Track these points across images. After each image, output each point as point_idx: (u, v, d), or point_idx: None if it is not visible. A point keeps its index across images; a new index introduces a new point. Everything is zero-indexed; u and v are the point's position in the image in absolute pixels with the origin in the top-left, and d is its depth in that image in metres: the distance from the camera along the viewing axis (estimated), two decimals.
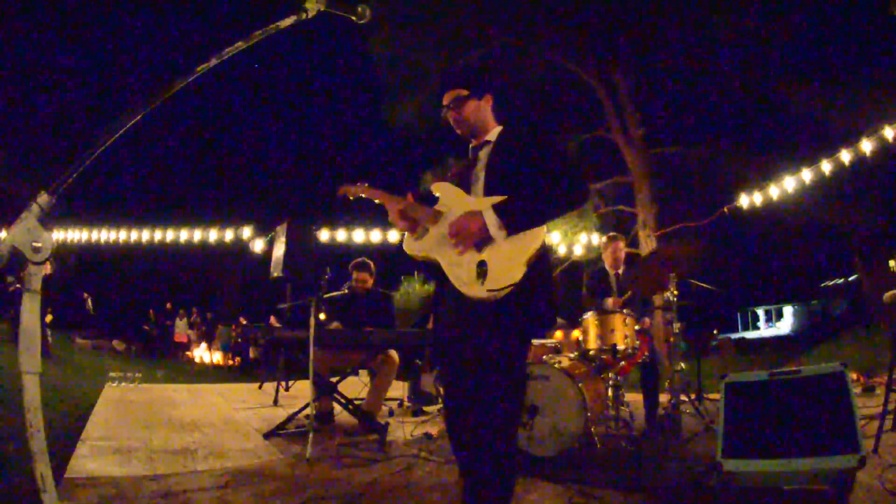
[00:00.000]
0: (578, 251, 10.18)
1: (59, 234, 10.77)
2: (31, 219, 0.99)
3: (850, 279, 19.91)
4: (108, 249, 10.88)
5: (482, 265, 1.67)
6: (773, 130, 10.27)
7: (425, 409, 4.95)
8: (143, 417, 4.20)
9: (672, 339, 3.84)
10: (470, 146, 1.98)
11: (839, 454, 1.96)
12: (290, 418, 3.72)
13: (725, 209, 8.90)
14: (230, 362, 14.66)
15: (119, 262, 16.45)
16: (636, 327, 3.57)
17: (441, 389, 4.47)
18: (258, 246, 9.78)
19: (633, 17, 9.27)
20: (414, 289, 16.63)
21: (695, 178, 10.39)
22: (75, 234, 10.92)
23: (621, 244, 4.39)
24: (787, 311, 27.31)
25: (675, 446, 3.22)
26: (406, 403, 5.35)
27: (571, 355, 3.63)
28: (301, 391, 6.08)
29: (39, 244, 0.99)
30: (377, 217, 8.83)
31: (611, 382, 3.56)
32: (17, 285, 7.83)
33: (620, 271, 4.28)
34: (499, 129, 1.94)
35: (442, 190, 1.91)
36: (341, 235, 9.72)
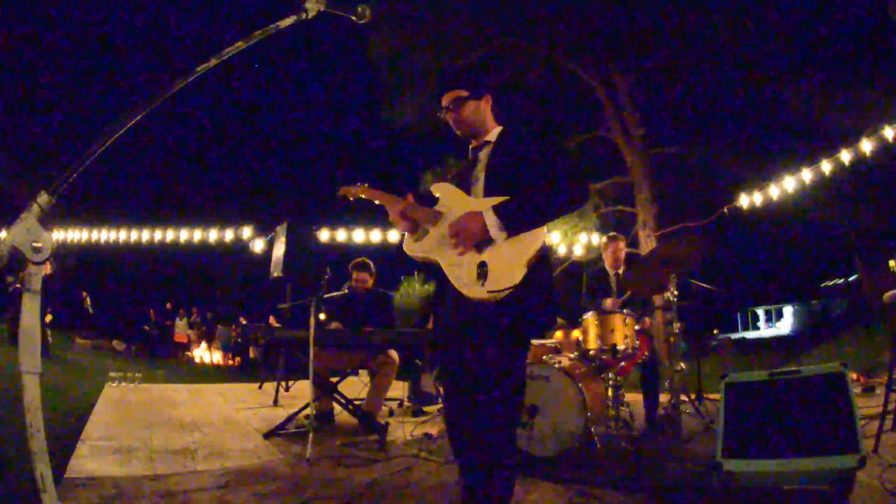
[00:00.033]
0: (578, 251, 10.17)
1: (59, 234, 10.77)
2: (31, 219, 0.99)
3: (850, 279, 19.91)
4: (108, 249, 10.87)
5: (482, 266, 1.67)
6: (773, 130, 10.27)
7: (425, 409, 4.95)
8: (143, 417, 4.20)
9: (672, 339, 3.84)
10: (470, 147, 1.98)
11: (839, 454, 1.96)
12: (290, 418, 3.72)
13: (725, 209, 8.90)
14: (230, 362, 14.66)
15: (119, 262, 16.46)
16: (636, 327, 3.57)
17: (441, 389, 4.48)
18: (258, 246, 9.78)
19: (633, 18, 9.27)
20: (414, 289, 16.63)
21: (695, 178, 10.38)
22: (75, 234, 10.91)
23: (621, 244, 4.39)
24: (787, 311, 27.32)
25: (675, 446, 3.22)
26: (406, 403, 5.35)
27: (571, 355, 3.63)
28: (301, 391, 6.08)
29: (39, 244, 0.99)
30: (377, 217, 8.83)
31: (611, 382, 3.56)
32: (17, 285, 7.84)
33: (620, 271, 4.28)
34: (499, 129, 1.94)
35: (442, 190, 1.91)
36: (341, 235, 9.72)
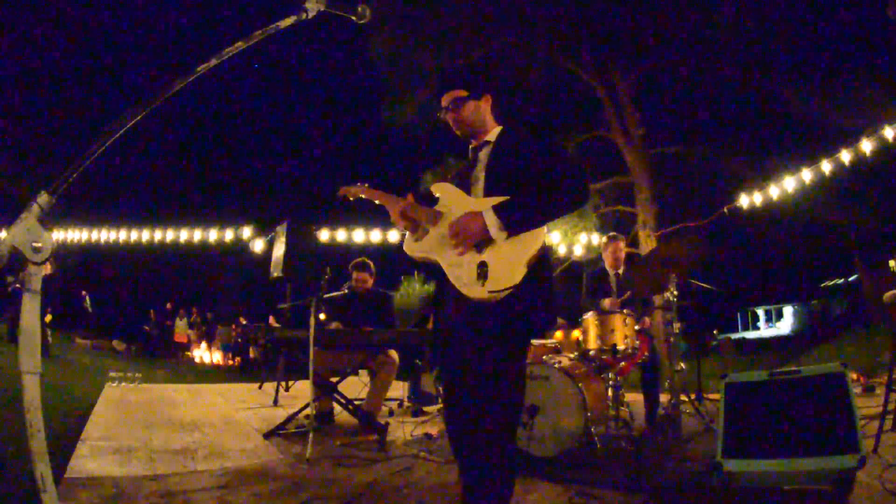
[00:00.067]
0: (578, 251, 10.17)
1: (59, 234, 10.77)
2: (31, 219, 0.99)
3: (850, 279, 19.91)
4: (108, 249, 10.88)
5: (482, 266, 1.67)
6: (773, 130, 10.27)
7: (425, 409, 4.95)
8: (143, 417, 4.20)
9: (672, 339, 3.84)
10: (470, 147, 1.98)
11: (839, 454, 1.96)
12: (290, 418, 3.72)
13: (725, 209, 8.90)
14: (230, 362, 14.66)
15: (119, 262, 16.45)
16: (636, 327, 3.58)
17: (441, 389, 4.47)
18: (258, 246, 9.78)
19: (633, 18, 9.27)
20: (414, 289, 16.65)
21: (695, 178, 10.38)
22: (75, 234, 10.91)
23: (621, 244, 4.39)
24: (787, 311, 27.31)
25: (675, 446, 3.22)
26: (406, 403, 5.35)
27: (571, 355, 3.63)
28: (301, 391, 6.08)
29: (39, 244, 0.99)
30: (377, 217, 8.83)
31: (611, 382, 3.56)
32: (17, 285, 7.84)
33: (620, 271, 4.28)
34: (499, 129, 1.94)
35: (442, 190, 1.91)
36: (341, 235, 9.72)
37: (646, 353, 3.81)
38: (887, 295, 2.98)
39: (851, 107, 7.90)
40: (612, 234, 4.52)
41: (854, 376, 4.94)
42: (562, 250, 10.22)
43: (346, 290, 4.63)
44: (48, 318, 7.99)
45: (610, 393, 3.53)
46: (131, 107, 1.13)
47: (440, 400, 4.75)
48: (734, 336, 23.38)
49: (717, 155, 9.98)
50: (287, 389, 6.18)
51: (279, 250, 3.45)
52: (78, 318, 14.48)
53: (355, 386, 4.62)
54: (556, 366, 3.11)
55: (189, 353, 15.28)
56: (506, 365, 1.68)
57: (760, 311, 29.79)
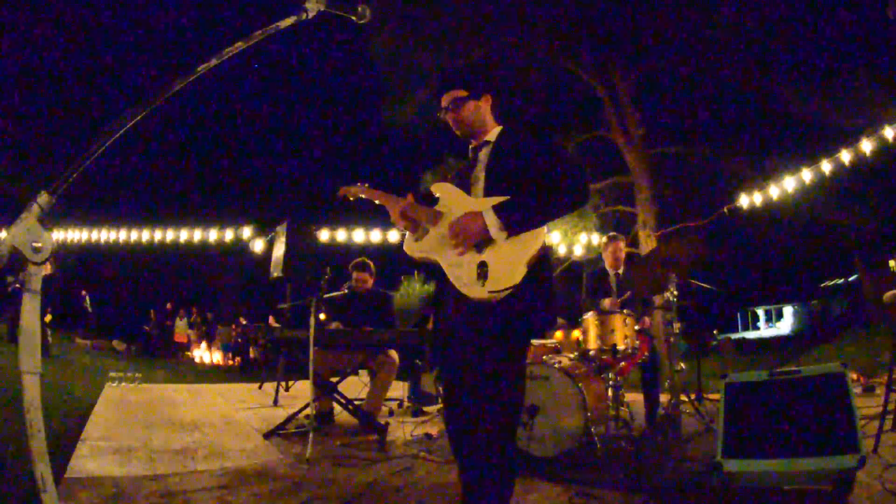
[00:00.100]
0: (578, 251, 10.18)
1: (59, 234, 10.77)
2: (31, 219, 0.99)
3: (850, 279, 19.91)
4: (108, 249, 10.88)
5: (483, 266, 1.67)
6: (773, 130, 10.26)
7: (425, 409, 4.95)
8: (143, 417, 4.20)
9: (672, 339, 3.84)
10: (470, 147, 1.98)
11: (839, 454, 1.96)
12: (290, 418, 3.72)
13: (725, 209, 8.91)
14: (230, 362, 14.66)
15: (119, 262, 16.45)
16: (636, 327, 3.58)
17: (441, 389, 4.47)
18: (258, 246, 9.78)
19: (634, 18, 9.27)
20: (414, 289, 16.65)
21: (695, 178, 10.38)
22: (75, 234, 10.92)
23: (621, 244, 4.39)
24: (787, 311, 27.32)
25: (675, 446, 3.22)
26: (406, 403, 5.35)
27: (571, 355, 3.63)
28: (301, 391, 6.08)
29: (39, 244, 0.99)
30: (377, 217, 8.83)
31: (611, 382, 3.56)
32: (17, 285, 7.84)
33: (620, 271, 4.28)
34: (498, 129, 1.94)
35: (442, 190, 1.91)
36: (341, 235, 9.72)
37: (646, 353, 3.81)
38: (887, 295, 2.98)
39: (851, 107, 7.90)
40: (612, 234, 4.52)
41: (854, 376, 4.94)
42: (562, 250, 10.22)
43: (346, 290, 4.63)
44: (48, 318, 7.98)
45: (610, 393, 3.53)
46: (131, 107, 1.13)
47: (440, 400, 4.75)
48: (734, 336, 23.37)
49: (717, 155, 9.98)
50: (287, 389, 6.18)
51: (279, 250, 3.45)
52: (78, 318, 14.48)
53: (355, 386, 4.62)
54: (556, 366, 3.11)
55: (189, 353, 15.28)
56: (506, 365, 1.68)
57: (760, 311, 29.80)
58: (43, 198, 1.00)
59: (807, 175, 7.52)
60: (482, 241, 1.70)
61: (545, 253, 1.75)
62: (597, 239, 9.81)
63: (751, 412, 2.24)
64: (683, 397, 3.93)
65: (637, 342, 3.49)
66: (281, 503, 2.28)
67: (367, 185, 2.05)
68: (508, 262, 1.65)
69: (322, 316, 4.81)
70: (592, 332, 3.51)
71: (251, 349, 13.25)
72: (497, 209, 1.67)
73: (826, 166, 7.29)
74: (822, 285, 24.15)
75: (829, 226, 10.88)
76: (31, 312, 0.99)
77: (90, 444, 3.05)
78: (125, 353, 13.60)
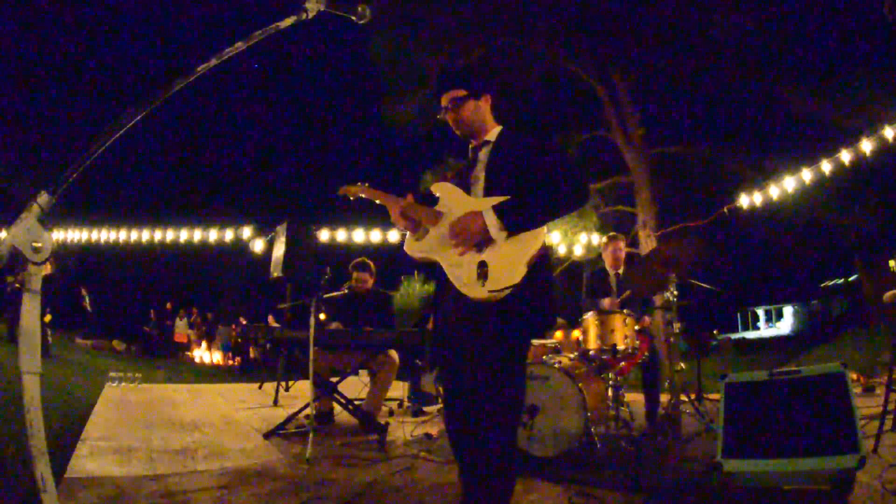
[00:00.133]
0: (578, 251, 10.17)
1: (59, 234, 10.77)
2: (31, 219, 0.99)
3: (850, 279, 19.91)
4: (108, 249, 10.88)
5: (483, 266, 1.67)
6: (773, 130, 10.27)
7: (425, 409, 4.95)
8: (143, 417, 4.20)
9: (672, 339, 3.84)
10: (469, 146, 1.98)
11: (839, 454, 1.96)
12: (290, 418, 3.72)
13: (725, 209, 8.90)
14: (230, 362, 14.66)
15: (119, 262, 16.46)
16: (636, 327, 3.58)
17: (441, 389, 4.47)
18: (258, 246, 9.78)
19: (634, 18, 9.27)
20: (414, 289, 16.63)
21: (695, 178, 10.38)
22: (75, 234, 10.91)
23: (621, 244, 4.39)
24: (787, 311, 27.30)
25: (675, 446, 3.22)
26: (406, 403, 5.35)
27: (571, 355, 3.63)
28: (301, 391, 6.08)
29: (39, 244, 0.99)
30: (377, 217, 8.83)
31: (611, 382, 3.56)
32: (17, 285, 7.83)
33: (621, 271, 4.28)
34: (498, 129, 1.94)
35: (442, 190, 1.91)
36: (341, 235, 9.72)
37: (646, 353, 3.81)
38: (887, 295, 2.97)
39: (851, 107, 7.90)
40: (611, 233, 4.52)
41: (854, 376, 4.94)
42: (562, 250, 10.21)
43: (346, 290, 4.63)
44: (48, 318, 7.98)
45: (610, 393, 3.53)
46: (131, 107, 1.13)
47: (440, 400, 4.75)
48: (734, 336, 23.39)
49: (717, 155, 9.97)
50: (287, 389, 6.18)
51: (279, 250, 3.45)
52: (78, 318, 14.48)
53: (355, 386, 4.62)
54: (556, 366, 3.11)
55: (189, 353, 15.28)
56: (506, 365, 1.68)
57: (760, 311, 29.78)
58: (43, 198, 1.00)
59: (807, 175, 7.52)
60: (482, 241, 1.70)
61: (545, 253, 1.76)
62: (597, 239, 9.80)
63: (751, 412, 2.24)
64: (683, 397, 3.93)
65: (637, 342, 3.49)
66: (281, 503, 2.28)
67: (367, 184, 2.05)
68: (508, 262, 1.65)
69: (322, 316, 4.81)
70: (592, 332, 3.51)
71: (251, 349, 13.24)
72: (497, 209, 1.67)
73: (826, 166, 7.29)
74: (822, 285, 24.13)
75: (829, 226, 10.87)
76: (31, 312, 0.99)
77: (90, 444, 3.05)
78: (125, 353, 13.61)
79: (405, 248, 1.91)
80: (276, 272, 3.43)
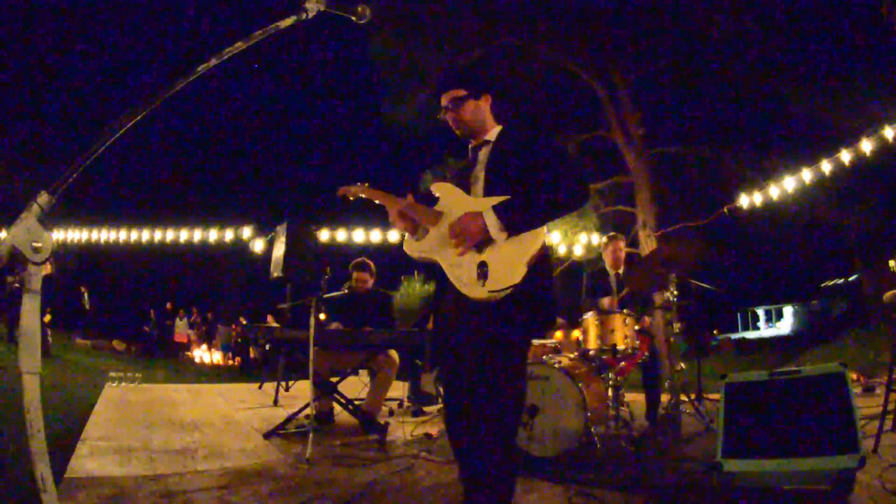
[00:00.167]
0: (578, 251, 10.18)
1: (59, 234, 10.77)
2: (31, 219, 0.99)
3: (850, 279, 19.91)
4: (108, 249, 10.88)
5: (483, 266, 1.67)
6: (773, 130, 10.27)
7: (425, 409, 4.95)
8: (143, 417, 4.20)
9: (672, 339, 3.84)
10: (469, 146, 1.98)
11: (839, 454, 1.96)
12: (290, 418, 3.72)
13: (725, 209, 8.91)
14: (230, 362, 14.66)
15: (119, 262, 16.46)
16: (636, 327, 3.58)
17: (441, 389, 4.47)
18: (258, 246, 9.78)
19: (634, 18, 9.27)
20: (414, 289, 16.65)
21: (695, 178, 10.39)
22: (75, 234, 10.92)
23: (621, 244, 4.39)
24: (787, 311, 27.31)
25: (675, 446, 3.22)
26: (406, 403, 5.35)
27: (571, 355, 3.63)
28: (301, 391, 6.08)
29: (39, 244, 0.99)
30: (377, 217, 8.81)
31: (611, 382, 3.56)
32: (17, 285, 7.83)
33: (620, 271, 4.28)
34: (498, 128, 1.94)
35: (442, 190, 1.91)
36: (341, 235, 9.72)
37: (646, 353, 3.81)
38: (887, 295, 2.98)
39: (851, 107, 7.90)
40: (611, 233, 4.52)
41: (854, 376, 4.95)
42: (562, 250, 10.22)
43: (346, 290, 4.63)
44: (47, 318, 7.99)
45: (610, 393, 3.53)
46: (131, 107, 1.13)
47: (440, 400, 4.75)
48: (734, 336, 23.39)
49: (717, 155, 9.98)
50: (287, 389, 6.18)
51: (279, 250, 3.45)
52: (78, 318, 14.48)
53: (355, 386, 4.62)
54: (556, 366, 3.11)
55: (189, 353, 15.29)
56: (506, 365, 1.67)
57: (760, 311, 29.79)
58: (43, 198, 1.00)
59: (807, 175, 7.52)
60: (482, 242, 1.70)
61: (545, 253, 1.75)
62: (597, 239, 9.81)
63: (751, 412, 2.24)
64: (683, 397, 3.93)
65: (637, 342, 3.49)
66: (281, 503, 2.28)
67: (366, 184, 2.05)
68: (508, 262, 1.65)
69: (322, 316, 4.81)
70: (592, 332, 3.51)
71: (251, 349, 13.25)
72: (497, 209, 1.67)
73: (826, 166, 7.29)
74: (822, 285, 24.14)
75: (829, 226, 10.89)
76: (31, 312, 0.99)
77: (90, 444, 3.05)
78: (125, 353, 13.61)
79: (405, 248, 1.91)
80: (276, 272, 3.43)
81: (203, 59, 1.19)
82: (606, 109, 10.19)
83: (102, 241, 10.67)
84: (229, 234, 10.13)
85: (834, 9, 8.95)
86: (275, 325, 6.88)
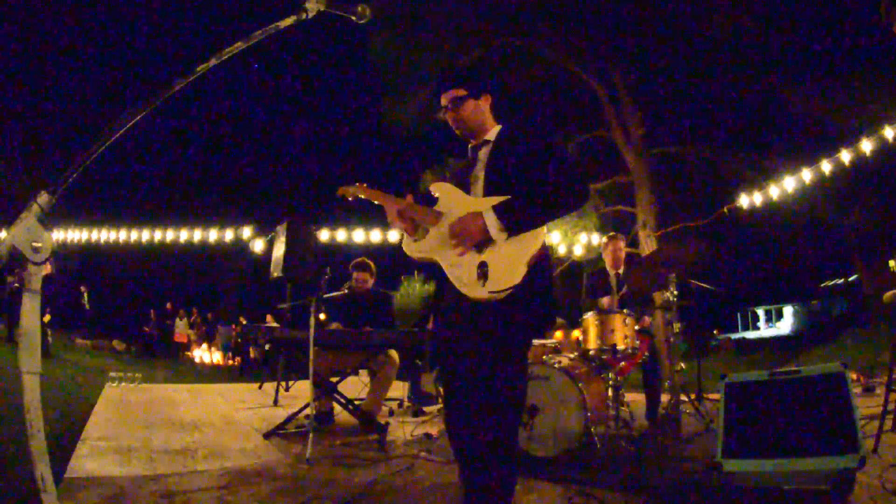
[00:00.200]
0: (578, 251, 10.18)
1: (59, 234, 10.77)
2: (31, 219, 0.99)
3: (850, 279, 19.92)
4: (108, 249, 10.88)
5: (483, 266, 1.67)
6: (773, 130, 10.26)
7: (425, 409, 4.95)
8: (143, 417, 4.20)
9: (672, 339, 3.84)
10: (469, 146, 1.98)
11: (839, 454, 1.96)
12: (290, 418, 3.72)
13: (725, 209, 8.91)
14: (230, 362, 14.67)
15: (119, 262, 16.47)
16: (636, 327, 3.57)
17: (441, 389, 4.47)
18: (258, 246, 9.78)
19: (634, 17, 9.26)
20: (414, 289, 16.66)
21: (695, 178, 10.38)
22: (75, 234, 10.92)
23: (621, 244, 4.39)
24: (787, 311, 27.32)
25: (675, 446, 3.22)
26: (406, 403, 5.35)
27: (571, 355, 3.63)
28: (301, 391, 6.08)
29: (39, 244, 0.99)
30: (377, 217, 8.81)
31: (611, 382, 3.56)
32: (17, 285, 7.83)
33: (620, 271, 4.28)
34: (498, 128, 1.94)
35: (442, 190, 1.91)
36: (341, 235, 9.72)
37: (646, 353, 3.81)
38: (887, 295, 2.97)
39: (851, 107, 7.90)
40: (611, 233, 4.52)
41: (854, 376, 4.94)
42: (562, 250, 10.22)
43: (346, 290, 4.63)
44: (47, 318, 7.99)
45: (610, 393, 3.53)
46: (131, 107, 1.13)
47: (440, 400, 4.75)
48: (734, 336, 23.40)
49: (717, 155, 9.97)
50: (287, 389, 6.18)
51: (279, 250, 3.45)
52: (77, 317, 14.49)
53: (355, 386, 4.62)
54: (556, 366, 3.11)
55: (189, 353, 15.29)
56: (506, 365, 1.68)
57: (760, 311, 29.80)
58: (43, 198, 1.00)
59: (807, 175, 7.52)
60: (482, 242, 1.69)
61: (545, 253, 1.75)
62: (597, 239, 9.80)
63: (751, 412, 2.24)
64: (683, 397, 3.93)
65: (637, 342, 3.49)
66: (281, 503, 2.28)
67: (365, 184, 2.04)
68: (508, 263, 1.65)
69: (322, 316, 4.81)
70: (592, 332, 3.50)
71: (251, 349, 13.26)
72: (497, 209, 1.67)
73: (826, 166, 7.29)
74: (822, 285, 24.15)
75: (829, 226, 10.88)
76: (31, 312, 0.99)
77: (90, 444, 3.06)
78: (125, 353, 13.61)
79: (404, 248, 1.91)
80: (276, 272, 3.43)
81: (203, 58, 1.19)
82: (606, 109, 10.18)
83: (102, 241, 10.67)
84: (229, 234, 10.13)
85: (833, 9, 8.94)
86: (275, 325, 6.88)
